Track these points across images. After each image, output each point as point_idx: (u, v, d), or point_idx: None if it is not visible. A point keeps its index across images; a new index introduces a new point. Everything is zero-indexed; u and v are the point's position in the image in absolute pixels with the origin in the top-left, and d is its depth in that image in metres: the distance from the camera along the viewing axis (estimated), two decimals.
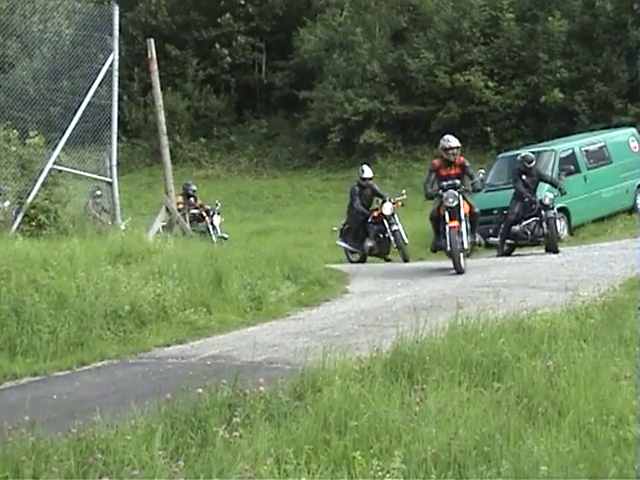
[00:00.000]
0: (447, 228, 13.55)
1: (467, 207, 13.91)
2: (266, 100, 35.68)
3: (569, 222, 19.70)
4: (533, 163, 17.17)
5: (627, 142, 22.42)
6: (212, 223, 20.65)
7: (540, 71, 30.11)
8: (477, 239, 14.68)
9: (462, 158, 14.34)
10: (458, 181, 13.99)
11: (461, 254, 13.44)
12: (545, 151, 20.35)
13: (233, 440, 4.99)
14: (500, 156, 22.98)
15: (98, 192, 18.50)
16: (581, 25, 30.31)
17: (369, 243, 18.69)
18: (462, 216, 13.58)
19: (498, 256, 16.91)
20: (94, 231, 13.78)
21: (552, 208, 16.80)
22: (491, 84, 30.77)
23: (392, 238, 17.88)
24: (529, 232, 16.75)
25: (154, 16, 34.87)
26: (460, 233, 13.49)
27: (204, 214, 20.78)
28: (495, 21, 31.64)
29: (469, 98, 30.82)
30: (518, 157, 18.02)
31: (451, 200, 13.54)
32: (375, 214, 18.18)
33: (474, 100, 30.77)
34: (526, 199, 16.75)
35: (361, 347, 7.30)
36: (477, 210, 14.30)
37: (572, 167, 20.45)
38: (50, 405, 6.53)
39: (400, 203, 18.58)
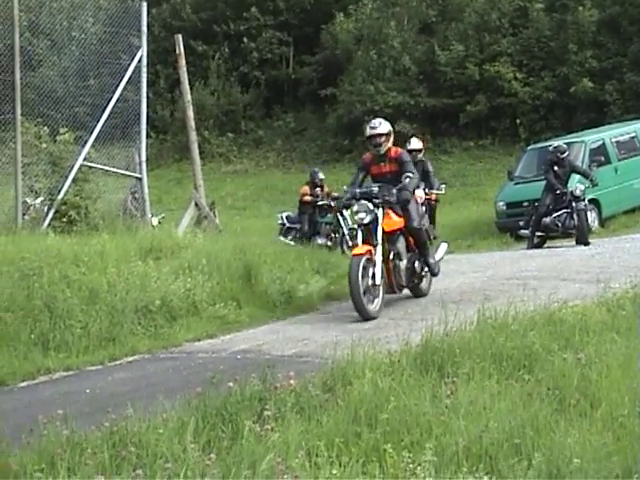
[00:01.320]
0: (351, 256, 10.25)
1: (395, 222, 10.28)
2: (294, 95, 35.68)
3: (600, 214, 19.54)
4: (566, 154, 17.09)
5: None
6: (342, 213, 18.70)
7: (569, 62, 29.92)
8: (426, 269, 10.84)
9: (399, 150, 10.87)
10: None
11: (366, 296, 9.66)
12: (575, 142, 20.19)
13: (264, 433, 5.00)
14: (529, 148, 22.89)
15: (136, 189, 18.58)
16: (611, 15, 30.07)
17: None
18: (378, 238, 9.93)
19: (528, 248, 16.81)
20: (124, 227, 13.86)
21: (583, 200, 16.71)
22: (520, 75, 30.61)
23: None
24: (560, 224, 16.68)
25: (178, 14, 34.93)
26: (372, 263, 9.78)
27: (332, 204, 18.99)
28: (524, 12, 31.52)
29: (498, 90, 30.66)
30: (550, 148, 17.95)
31: (362, 215, 10.11)
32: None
33: (503, 92, 30.61)
34: (557, 191, 16.68)
35: (391, 340, 7.32)
36: (420, 225, 10.58)
37: (602, 158, 20.18)
38: (83, 399, 6.58)
39: (434, 197, 15.30)
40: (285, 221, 16.08)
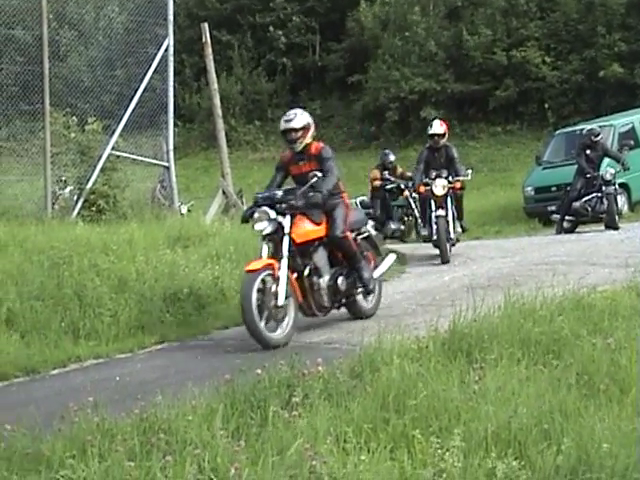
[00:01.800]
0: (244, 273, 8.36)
1: (310, 232, 8.57)
2: (320, 82, 35.64)
3: (629, 198, 19.42)
4: (600, 137, 16.95)
5: None
6: (412, 196, 17.81)
7: (598, 45, 29.65)
8: (361, 287, 9.03)
9: (320, 145, 8.97)
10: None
11: (267, 319, 8.04)
12: (604, 126, 19.95)
13: (292, 419, 5.02)
14: (557, 132, 22.79)
15: (164, 177, 18.64)
16: None
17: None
18: (283, 250, 8.18)
19: (557, 233, 16.70)
20: (152, 215, 13.93)
21: (613, 184, 16.57)
22: (548, 59, 30.45)
23: (435, 227, 13.08)
24: (590, 208, 16.51)
25: (203, 3, 34.97)
26: (276, 280, 8.05)
27: (402, 186, 18.30)
28: None
29: (525, 74, 30.51)
30: (584, 131, 17.83)
31: (261, 225, 8.36)
32: (422, 190, 13.56)
33: (530, 76, 30.47)
34: (588, 175, 16.52)
35: (419, 326, 7.32)
36: (343, 234, 8.70)
37: (632, 142, 19.93)
38: (113, 387, 6.63)
39: (458, 185, 13.40)
40: (359, 206, 15.91)
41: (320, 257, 8.62)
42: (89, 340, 8.65)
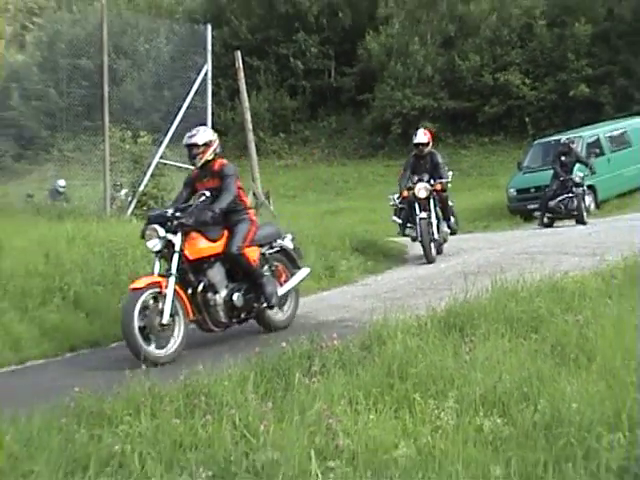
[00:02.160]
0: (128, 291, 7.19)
1: (204, 248, 7.46)
2: (335, 100, 35.57)
3: (596, 198, 19.45)
4: (574, 145, 17.10)
5: None
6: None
7: (568, 69, 29.87)
8: (264, 302, 7.78)
9: (224, 162, 7.88)
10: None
11: (152, 337, 6.96)
12: (574, 137, 19.97)
13: (312, 385, 5.03)
14: (535, 142, 22.79)
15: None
16: (603, 29, 29.92)
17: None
18: (172, 268, 7.08)
19: (539, 226, 16.93)
20: None
21: (582, 185, 16.61)
22: (527, 81, 30.66)
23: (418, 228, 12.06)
24: (563, 206, 16.66)
25: (237, 34, 35.02)
26: (163, 298, 6.97)
27: None
28: (529, 27, 31.49)
29: (508, 94, 30.66)
30: (562, 140, 17.80)
31: (151, 243, 7.29)
32: (405, 194, 12.49)
33: (512, 95, 30.62)
34: (561, 178, 16.62)
35: (419, 307, 7.31)
36: (239, 250, 7.55)
37: (598, 151, 20.16)
38: None
39: (438, 187, 12.20)
40: (396, 202, 15.66)
41: (216, 273, 7.45)
42: None
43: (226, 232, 7.60)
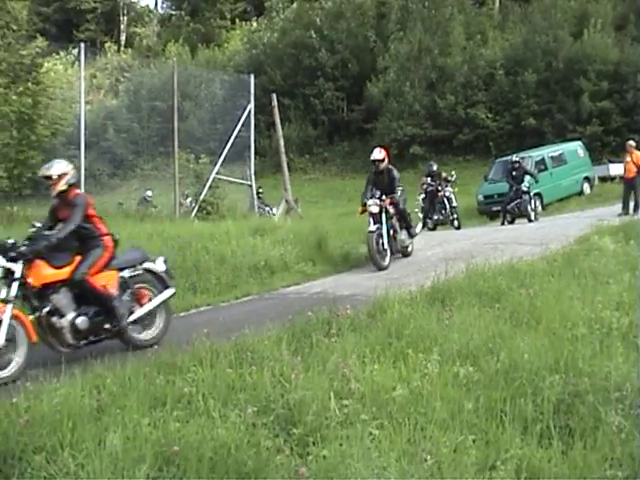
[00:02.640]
0: None
1: (48, 275, 5.94)
2: (347, 130, 35.56)
3: (542, 202, 19.38)
4: (520, 163, 16.97)
5: (576, 150, 22.38)
6: (445, 195, 16.90)
7: (521, 106, 30.13)
8: (116, 322, 6.22)
9: (75, 192, 6.29)
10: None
11: None
12: (525, 157, 19.94)
13: (330, 344, 5.05)
14: (497, 160, 22.82)
15: (260, 190, 18.59)
16: (544, 77, 30.08)
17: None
18: (11, 294, 5.69)
19: (501, 224, 16.70)
20: (241, 216, 14.02)
21: (528, 193, 16.56)
22: (490, 115, 30.90)
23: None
24: (517, 209, 16.64)
25: (273, 81, 35.05)
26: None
27: (438, 188, 16.86)
28: (492, 75, 31.64)
29: (476, 125, 30.84)
30: (511, 159, 17.69)
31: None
32: (360, 210, 10.74)
33: (479, 126, 30.81)
34: (513, 187, 16.61)
35: (411, 284, 7.29)
36: (82, 276, 6.07)
37: (543, 167, 20.40)
38: (218, 323, 6.67)
39: (388, 201, 10.38)
40: (422, 203, 15.77)
41: (61, 298, 5.97)
42: (202, 294, 8.70)
43: (78, 258, 6.16)
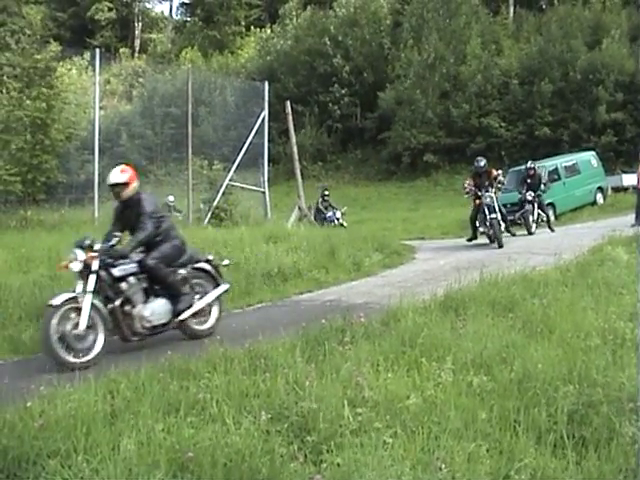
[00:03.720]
0: None
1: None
2: (361, 137, 35.56)
3: (555, 211, 19.29)
4: (536, 169, 16.76)
5: (590, 160, 22.15)
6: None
7: (535, 116, 29.88)
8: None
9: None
10: None
11: None
12: (539, 166, 19.80)
13: (344, 351, 5.05)
14: (510, 170, 22.59)
15: (327, 193, 18.73)
16: (560, 87, 29.84)
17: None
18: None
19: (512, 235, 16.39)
20: (254, 222, 14.06)
21: (532, 202, 15.98)
22: (503, 124, 30.63)
23: None
24: (523, 219, 16.06)
25: (286, 88, 35.14)
26: None
27: (478, 194, 13.50)
28: (506, 84, 31.36)
29: (490, 134, 30.60)
30: (525, 167, 17.42)
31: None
32: None
33: (493, 135, 30.57)
34: (520, 196, 16.20)
35: (425, 293, 7.29)
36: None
37: (556, 177, 20.25)
38: (231, 329, 6.71)
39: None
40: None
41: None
42: None
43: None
